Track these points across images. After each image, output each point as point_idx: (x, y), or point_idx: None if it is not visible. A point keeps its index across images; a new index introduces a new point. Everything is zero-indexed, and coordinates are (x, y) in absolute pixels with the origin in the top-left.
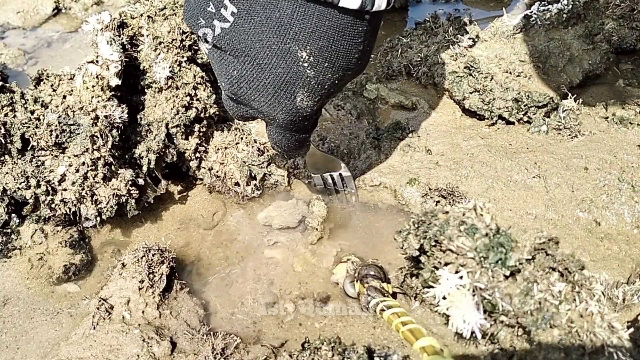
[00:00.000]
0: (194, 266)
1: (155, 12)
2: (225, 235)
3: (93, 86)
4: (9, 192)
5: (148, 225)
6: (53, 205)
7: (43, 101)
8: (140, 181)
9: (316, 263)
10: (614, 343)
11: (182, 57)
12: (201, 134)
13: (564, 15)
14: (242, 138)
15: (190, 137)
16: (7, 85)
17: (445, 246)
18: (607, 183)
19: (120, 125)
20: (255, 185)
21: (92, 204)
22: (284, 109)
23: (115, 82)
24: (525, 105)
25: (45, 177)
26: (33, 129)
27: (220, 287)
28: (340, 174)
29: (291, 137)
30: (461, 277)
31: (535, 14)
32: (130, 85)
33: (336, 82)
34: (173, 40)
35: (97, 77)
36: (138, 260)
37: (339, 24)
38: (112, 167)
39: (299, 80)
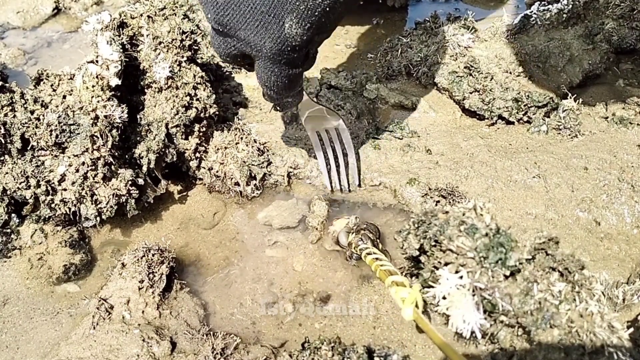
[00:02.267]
0: (194, 266)
1: (155, 12)
2: (225, 235)
3: (93, 86)
4: (9, 192)
5: (148, 225)
6: (53, 205)
7: (43, 101)
8: (140, 181)
9: (316, 263)
10: (614, 343)
11: (182, 57)
12: (201, 133)
13: (564, 15)
14: (242, 138)
15: (190, 137)
16: (7, 85)
17: (445, 246)
18: (607, 183)
19: (120, 125)
20: (255, 185)
21: (92, 204)
22: (272, 37)
23: (115, 82)
24: (525, 105)
25: (45, 177)
26: (33, 129)
27: (220, 287)
28: (337, 129)
29: (280, 72)
30: (461, 277)
31: (535, 14)
32: (130, 85)
33: (327, 9)
34: (173, 40)
35: (97, 77)
36: (138, 260)
37: None
38: (112, 167)
39: (287, 4)
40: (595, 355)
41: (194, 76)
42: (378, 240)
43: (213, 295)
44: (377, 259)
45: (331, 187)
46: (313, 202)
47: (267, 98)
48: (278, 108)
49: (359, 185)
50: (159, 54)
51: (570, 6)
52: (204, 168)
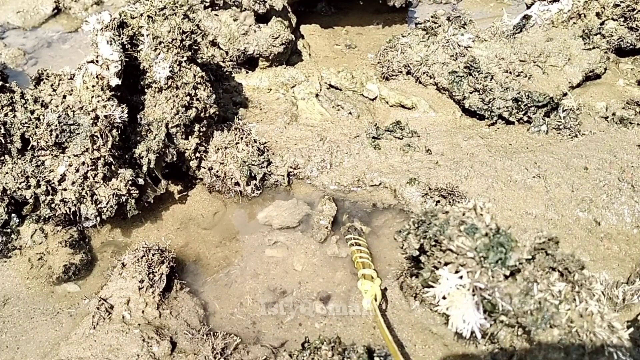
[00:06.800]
0: (194, 266)
1: (155, 12)
2: (225, 235)
3: (93, 86)
4: (9, 192)
5: (148, 225)
6: (53, 205)
7: (43, 101)
8: (140, 181)
9: (317, 263)
10: (613, 343)
11: (182, 57)
12: (201, 133)
13: (564, 15)
14: (242, 138)
15: (190, 137)
16: (7, 85)
17: (445, 246)
18: (607, 183)
19: (120, 125)
20: (255, 185)
21: (92, 203)
22: None
23: (115, 81)
24: (525, 105)
25: (45, 177)
26: (33, 128)
27: (220, 286)
28: None
29: None
30: (461, 277)
31: (535, 13)
32: (130, 85)
33: None
34: (173, 40)
35: (97, 77)
36: (138, 260)
37: None
38: (112, 167)
39: None
40: (595, 355)
41: (194, 76)
42: (362, 228)
43: (213, 295)
44: (359, 249)
45: None
46: (322, 201)
47: None
48: None
49: None
50: (159, 54)
51: (570, 6)
52: (204, 168)
